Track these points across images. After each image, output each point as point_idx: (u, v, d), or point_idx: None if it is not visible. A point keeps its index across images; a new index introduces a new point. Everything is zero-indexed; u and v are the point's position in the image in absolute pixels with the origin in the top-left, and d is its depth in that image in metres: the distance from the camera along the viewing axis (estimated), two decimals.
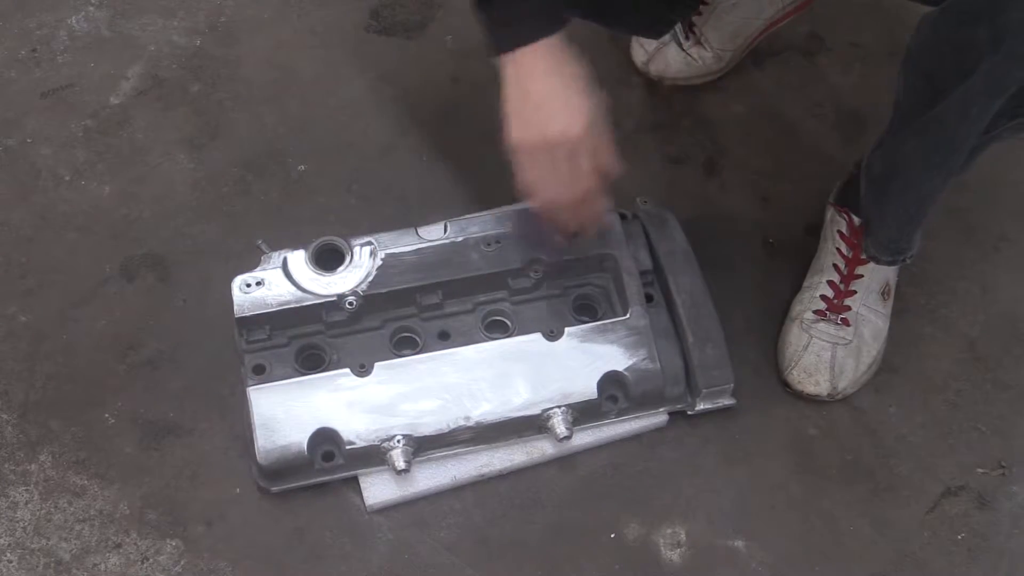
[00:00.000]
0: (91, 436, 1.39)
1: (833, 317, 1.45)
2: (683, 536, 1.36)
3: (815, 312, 1.46)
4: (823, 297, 1.47)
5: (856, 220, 1.47)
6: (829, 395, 1.44)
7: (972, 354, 1.51)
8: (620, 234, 1.42)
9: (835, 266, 1.48)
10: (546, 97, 1.19)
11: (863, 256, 1.46)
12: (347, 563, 1.33)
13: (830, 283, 1.47)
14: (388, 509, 1.36)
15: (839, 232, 1.49)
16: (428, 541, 1.35)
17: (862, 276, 1.46)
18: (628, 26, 1.57)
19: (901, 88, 1.28)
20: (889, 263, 1.46)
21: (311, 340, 1.38)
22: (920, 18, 1.20)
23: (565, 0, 1.37)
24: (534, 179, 1.23)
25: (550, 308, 1.42)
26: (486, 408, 1.34)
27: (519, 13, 1.18)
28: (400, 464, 1.31)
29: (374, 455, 1.33)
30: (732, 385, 1.40)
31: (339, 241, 1.39)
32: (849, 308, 1.46)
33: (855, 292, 1.46)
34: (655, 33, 1.49)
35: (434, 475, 1.36)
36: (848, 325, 1.45)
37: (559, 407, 1.34)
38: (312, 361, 1.38)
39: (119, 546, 1.33)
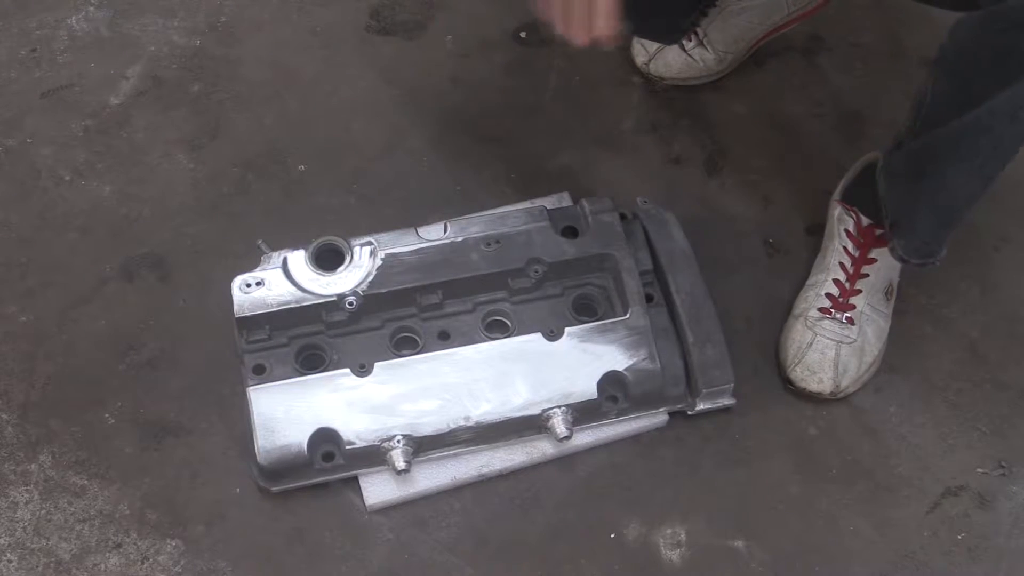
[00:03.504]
0: (91, 436, 1.39)
1: (838, 315, 1.45)
2: (683, 536, 1.36)
3: (820, 310, 1.46)
4: (828, 295, 1.46)
5: (864, 219, 1.47)
6: (831, 393, 1.44)
7: (972, 354, 1.51)
8: (620, 234, 1.42)
9: (841, 264, 1.47)
10: None
11: (871, 256, 1.46)
12: (347, 563, 1.33)
13: (836, 281, 1.47)
14: (388, 509, 1.36)
15: (846, 230, 1.49)
16: (428, 541, 1.34)
17: (868, 275, 1.46)
18: (644, 32, 1.56)
19: (929, 90, 1.26)
20: (919, 265, 1.43)
21: (311, 340, 1.38)
22: (955, 22, 1.18)
23: None
24: None
25: (550, 308, 1.41)
26: (486, 408, 1.34)
27: None
28: (400, 464, 1.31)
29: (374, 455, 1.33)
30: (732, 385, 1.40)
31: (339, 241, 1.39)
32: (854, 307, 1.45)
33: (860, 291, 1.46)
34: (671, 39, 1.48)
35: (434, 475, 1.36)
36: (853, 324, 1.44)
37: (559, 407, 1.34)
38: (312, 361, 1.38)
39: (119, 546, 1.33)
